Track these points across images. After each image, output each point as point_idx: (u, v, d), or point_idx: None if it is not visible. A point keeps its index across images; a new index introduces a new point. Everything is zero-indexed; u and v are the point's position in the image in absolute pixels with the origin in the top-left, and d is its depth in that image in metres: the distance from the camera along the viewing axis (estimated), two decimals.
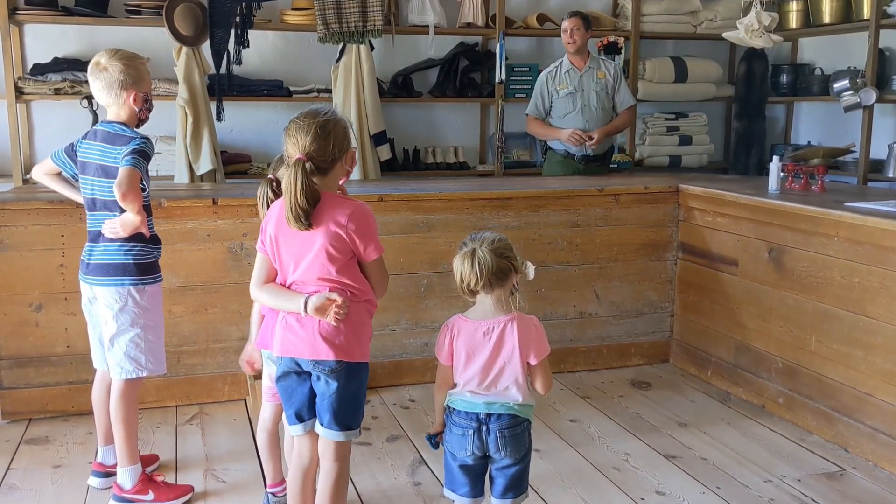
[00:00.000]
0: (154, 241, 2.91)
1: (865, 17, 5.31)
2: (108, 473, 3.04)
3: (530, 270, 2.32)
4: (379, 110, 5.30)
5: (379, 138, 5.30)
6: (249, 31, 5.08)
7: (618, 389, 4.12)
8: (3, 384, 3.63)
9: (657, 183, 4.49)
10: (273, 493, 2.88)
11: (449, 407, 2.34)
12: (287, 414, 2.46)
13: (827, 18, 5.68)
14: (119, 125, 2.82)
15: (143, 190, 2.79)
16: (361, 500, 2.99)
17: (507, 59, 5.62)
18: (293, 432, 2.47)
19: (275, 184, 2.59)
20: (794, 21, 5.93)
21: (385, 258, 4.01)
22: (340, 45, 5.23)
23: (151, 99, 2.92)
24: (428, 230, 4.03)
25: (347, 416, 2.39)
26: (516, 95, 5.72)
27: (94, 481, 3.06)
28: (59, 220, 3.55)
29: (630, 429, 3.63)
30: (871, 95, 5.15)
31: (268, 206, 2.58)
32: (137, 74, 2.82)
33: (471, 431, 2.27)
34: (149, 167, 2.87)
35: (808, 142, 6.19)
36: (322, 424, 2.40)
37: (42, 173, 3.03)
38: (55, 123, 5.16)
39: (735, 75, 6.25)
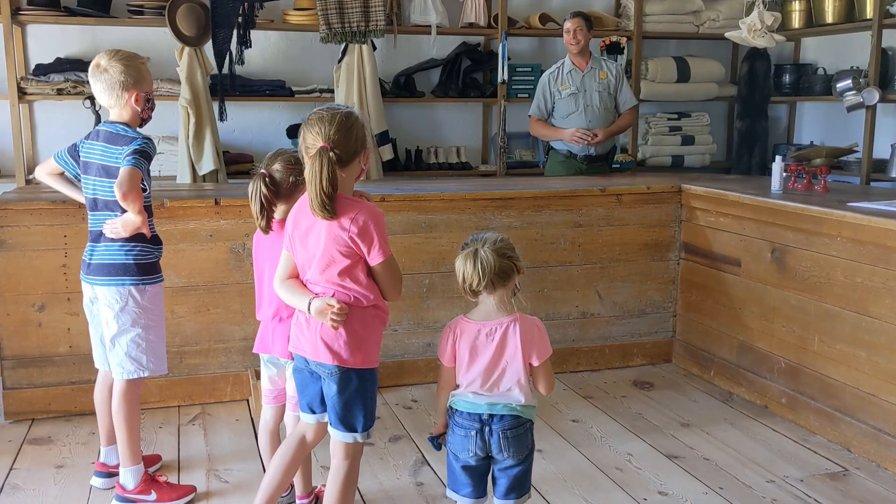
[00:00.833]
0: (155, 241, 2.91)
1: (868, 17, 5.30)
2: (110, 473, 3.04)
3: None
4: (381, 110, 5.30)
5: (381, 138, 5.31)
6: (252, 31, 5.09)
7: (620, 389, 4.12)
8: (6, 384, 3.64)
9: (659, 183, 4.49)
10: None
11: (451, 408, 2.34)
12: (300, 404, 2.51)
13: (829, 18, 5.67)
14: (121, 125, 2.83)
15: (144, 190, 2.79)
16: (364, 501, 2.99)
17: (509, 59, 5.62)
18: (304, 420, 2.51)
19: (267, 179, 2.59)
20: (796, 21, 5.93)
21: None
22: (343, 45, 5.23)
23: (154, 98, 2.92)
24: (430, 230, 4.03)
25: (350, 418, 2.39)
26: (518, 95, 5.72)
27: (96, 481, 3.07)
28: (61, 220, 3.56)
29: (632, 429, 3.62)
30: (873, 95, 5.15)
31: (261, 202, 2.59)
32: (138, 74, 2.82)
33: (473, 432, 2.27)
34: (151, 168, 2.87)
35: (811, 142, 6.18)
36: (330, 423, 2.43)
37: (45, 173, 3.04)
38: (58, 124, 5.17)
39: (737, 75, 6.24)
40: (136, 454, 2.92)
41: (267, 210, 2.60)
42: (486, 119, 5.99)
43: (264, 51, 5.45)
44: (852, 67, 5.53)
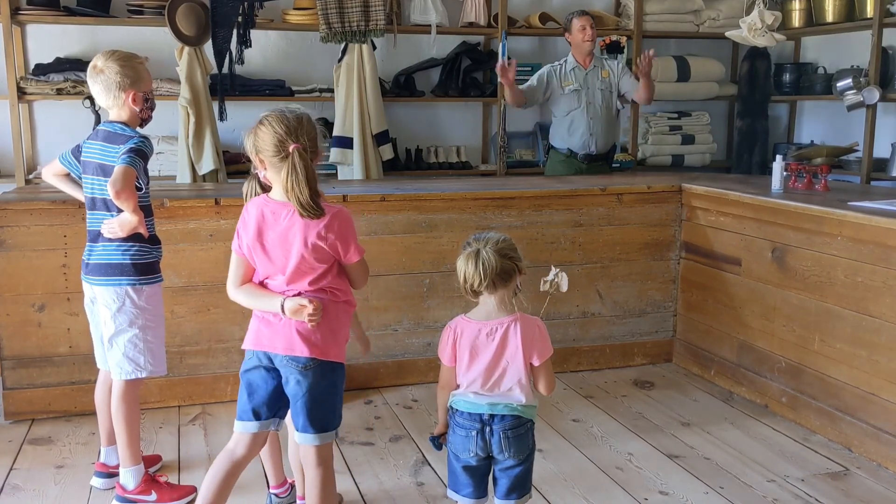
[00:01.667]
0: (153, 241, 2.91)
1: (868, 16, 5.30)
2: (111, 474, 3.04)
3: (564, 281, 2.33)
4: (381, 110, 5.30)
5: (381, 138, 5.30)
6: (251, 31, 5.09)
7: (621, 389, 4.12)
8: (6, 384, 3.64)
9: (660, 182, 4.49)
10: (276, 494, 2.88)
11: (452, 408, 2.34)
12: (243, 410, 2.42)
13: (830, 17, 5.67)
14: (119, 125, 2.83)
15: (140, 189, 2.78)
16: (364, 501, 2.99)
17: (509, 58, 5.61)
18: (244, 429, 2.41)
19: (261, 179, 2.59)
20: (796, 20, 5.92)
21: (387, 258, 4.03)
22: (342, 45, 5.23)
23: (153, 98, 2.91)
24: (430, 230, 4.03)
25: (323, 416, 2.37)
26: None
27: (96, 482, 3.06)
28: (61, 220, 3.55)
29: (633, 428, 3.62)
30: (874, 94, 5.14)
31: None
32: (135, 74, 2.81)
33: (474, 432, 2.27)
34: (151, 167, 2.88)
35: (811, 141, 6.18)
36: (297, 429, 2.39)
37: (51, 174, 3.05)
38: (57, 123, 5.16)
39: (738, 74, 6.24)
40: (136, 455, 2.91)
41: None
42: (487, 118, 5.99)
43: (264, 50, 5.44)
44: (853, 66, 5.53)
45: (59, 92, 4.94)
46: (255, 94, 5.29)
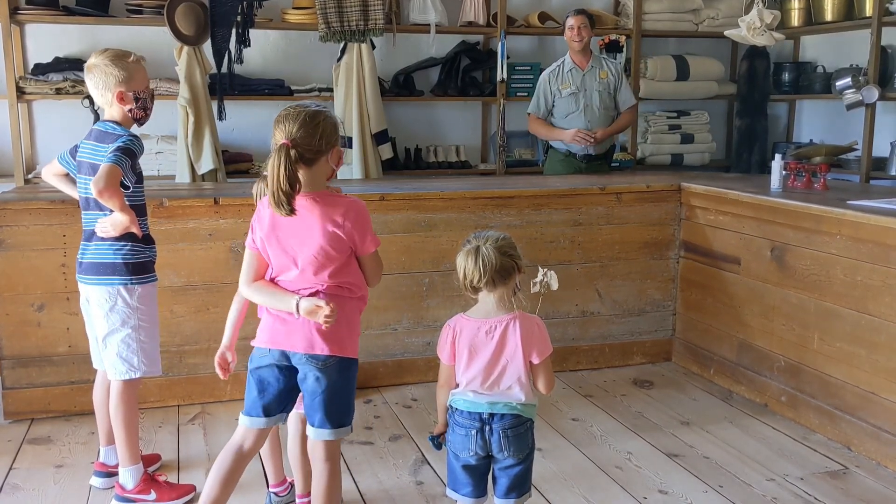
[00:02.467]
0: (147, 240, 2.90)
1: (868, 15, 5.30)
2: (110, 473, 3.04)
3: (553, 280, 2.32)
4: (380, 109, 5.30)
5: (380, 137, 5.30)
6: (251, 30, 5.09)
7: (620, 388, 4.12)
8: (5, 384, 3.64)
9: (659, 181, 4.49)
10: (275, 493, 2.88)
11: (451, 407, 2.34)
12: (252, 406, 2.41)
13: (829, 16, 5.67)
14: (111, 124, 2.82)
15: (128, 188, 2.77)
16: (364, 500, 2.99)
17: (508, 57, 5.62)
18: (252, 424, 2.41)
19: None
20: (795, 19, 5.92)
21: (387, 257, 4.02)
22: (342, 44, 5.23)
23: (147, 97, 2.86)
24: (430, 229, 4.03)
25: (340, 412, 2.39)
26: (518, 94, 5.72)
27: (96, 481, 3.06)
28: (60, 219, 3.55)
29: (632, 427, 3.62)
30: (873, 93, 5.15)
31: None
32: (124, 73, 2.78)
33: (474, 431, 2.27)
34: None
35: (811, 140, 6.18)
36: (313, 425, 2.39)
37: (50, 174, 3.05)
38: (56, 123, 5.16)
39: (737, 73, 6.24)
40: (135, 454, 2.91)
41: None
42: (486, 118, 5.98)
43: (263, 50, 5.44)
44: (852, 65, 5.53)
45: (59, 92, 4.94)
46: (255, 93, 5.28)
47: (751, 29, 5.11)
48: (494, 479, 2.35)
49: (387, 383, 4.07)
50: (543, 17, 5.73)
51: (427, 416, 3.71)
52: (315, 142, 2.27)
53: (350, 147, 5.23)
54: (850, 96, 5.24)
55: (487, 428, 2.27)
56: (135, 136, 2.80)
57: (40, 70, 5.00)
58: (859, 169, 5.36)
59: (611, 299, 4.37)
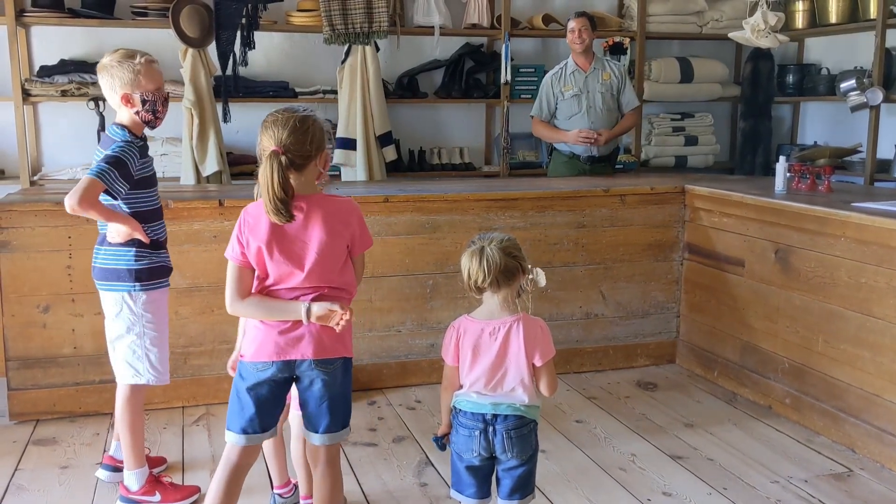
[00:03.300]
0: (155, 246, 2.85)
1: (872, 17, 5.29)
2: (116, 468, 3.05)
3: (541, 277, 2.32)
4: (384, 111, 5.31)
5: (384, 139, 5.31)
6: (255, 33, 5.10)
7: (624, 390, 4.12)
8: (10, 385, 3.65)
9: (663, 183, 4.49)
10: (279, 495, 2.89)
11: (455, 408, 2.34)
12: (249, 424, 2.33)
13: (833, 18, 5.66)
14: (116, 127, 2.80)
15: (115, 197, 2.70)
16: (368, 501, 2.99)
17: (512, 59, 5.62)
18: (252, 441, 2.34)
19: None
20: (800, 21, 5.92)
21: (391, 259, 4.04)
22: (346, 47, 5.24)
23: (156, 99, 2.79)
24: (433, 231, 4.04)
25: (345, 413, 2.39)
26: (522, 96, 5.72)
27: (102, 474, 3.08)
28: (66, 221, 3.56)
29: (636, 429, 3.62)
30: (877, 95, 5.14)
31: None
32: (130, 75, 2.74)
33: (477, 432, 2.27)
34: (153, 169, 2.85)
35: (815, 142, 6.17)
36: (317, 431, 2.36)
37: None
38: (62, 125, 5.18)
39: (741, 75, 6.24)
40: (140, 457, 2.92)
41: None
42: (490, 120, 5.99)
43: (268, 52, 5.45)
44: (856, 67, 5.53)
45: (64, 94, 4.95)
46: (259, 95, 5.30)
47: (755, 31, 5.11)
48: (498, 480, 2.36)
49: (391, 385, 4.07)
50: (547, 19, 5.73)
51: (431, 418, 3.71)
52: (305, 147, 2.26)
53: (354, 149, 5.24)
54: (855, 98, 5.24)
55: (491, 429, 2.27)
56: (129, 142, 2.75)
57: (46, 72, 5.02)
58: (863, 171, 5.35)
59: (614, 301, 4.36)
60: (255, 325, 2.35)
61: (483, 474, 2.34)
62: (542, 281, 2.32)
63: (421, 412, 3.80)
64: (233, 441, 2.36)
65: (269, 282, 2.32)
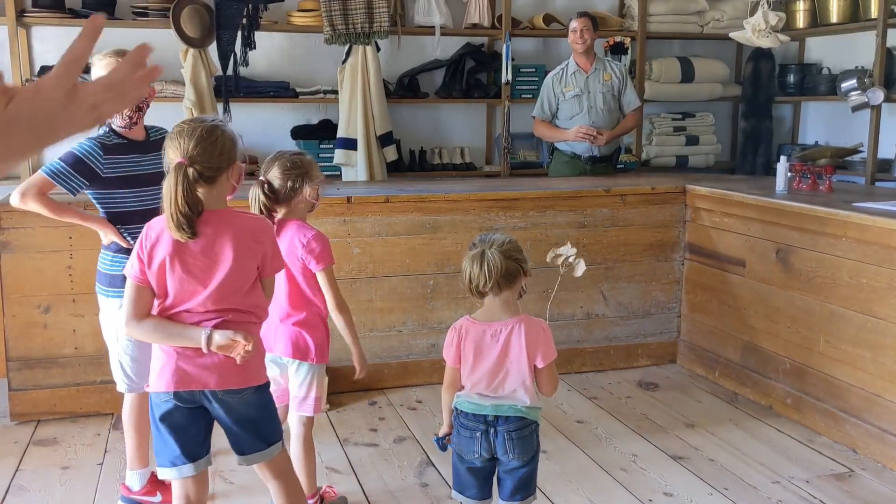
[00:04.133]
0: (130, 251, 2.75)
1: (873, 17, 5.29)
2: (133, 501, 2.94)
3: (580, 268, 2.31)
4: (385, 111, 5.30)
5: (385, 139, 5.31)
6: (256, 33, 5.09)
7: (625, 390, 4.12)
8: (11, 385, 3.65)
9: (664, 183, 4.48)
10: None
11: (456, 409, 2.34)
12: (174, 457, 2.19)
13: (834, 18, 5.66)
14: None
15: (75, 192, 2.66)
16: (369, 502, 2.99)
17: (513, 59, 5.62)
18: (183, 473, 2.20)
19: (265, 185, 2.60)
20: (801, 21, 5.91)
21: (391, 259, 4.03)
22: (347, 47, 5.24)
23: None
24: (434, 231, 4.03)
25: (269, 431, 2.28)
26: (522, 96, 5.72)
27: None
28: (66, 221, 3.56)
29: (637, 430, 3.62)
30: (878, 95, 5.13)
31: (261, 209, 2.59)
32: (94, 76, 2.66)
33: (479, 434, 2.27)
34: (145, 170, 2.74)
35: (816, 141, 6.17)
36: (243, 453, 2.26)
37: None
38: None
39: (742, 75, 6.23)
40: (144, 458, 2.92)
41: (267, 216, 2.61)
42: (490, 120, 5.99)
43: (268, 52, 5.45)
44: (857, 67, 5.52)
45: None
46: (260, 95, 5.29)
47: (756, 31, 5.10)
48: (499, 481, 2.36)
49: (391, 385, 4.07)
50: (548, 18, 5.73)
51: (432, 418, 3.71)
52: (214, 158, 2.13)
53: (354, 149, 5.24)
54: (856, 98, 5.23)
55: (492, 430, 2.27)
56: (95, 139, 2.69)
57: (46, 72, 5.01)
58: (864, 171, 5.34)
59: (615, 301, 4.36)
60: (155, 352, 2.21)
61: (484, 475, 2.34)
62: (580, 272, 2.31)
63: (422, 412, 3.80)
64: (166, 476, 2.24)
65: (168, 302, 2.16)
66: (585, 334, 4.34)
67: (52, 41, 5.13)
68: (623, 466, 3.26)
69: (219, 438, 2.30)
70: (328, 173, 5.27)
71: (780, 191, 3.95)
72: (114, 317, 2.78)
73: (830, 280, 3.48)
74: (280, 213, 2.67)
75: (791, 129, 6.49)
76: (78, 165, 2.66)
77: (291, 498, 2.38)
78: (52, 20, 4.94)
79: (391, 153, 5.36)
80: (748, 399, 3.97)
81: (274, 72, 5.47)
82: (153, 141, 2.84)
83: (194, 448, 2.22)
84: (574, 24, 4.87)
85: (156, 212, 2.64)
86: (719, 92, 6.14)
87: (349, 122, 5.23)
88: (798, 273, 3.65)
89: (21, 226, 3.54)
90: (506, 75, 5.59)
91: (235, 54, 5.06)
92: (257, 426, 2.25)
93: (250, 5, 5.01)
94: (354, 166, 5.24)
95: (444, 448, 2.40)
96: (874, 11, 5.27)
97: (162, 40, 5.06)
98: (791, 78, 6.13)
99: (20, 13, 4.83)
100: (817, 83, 5.96)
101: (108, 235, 2.75)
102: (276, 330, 2.68)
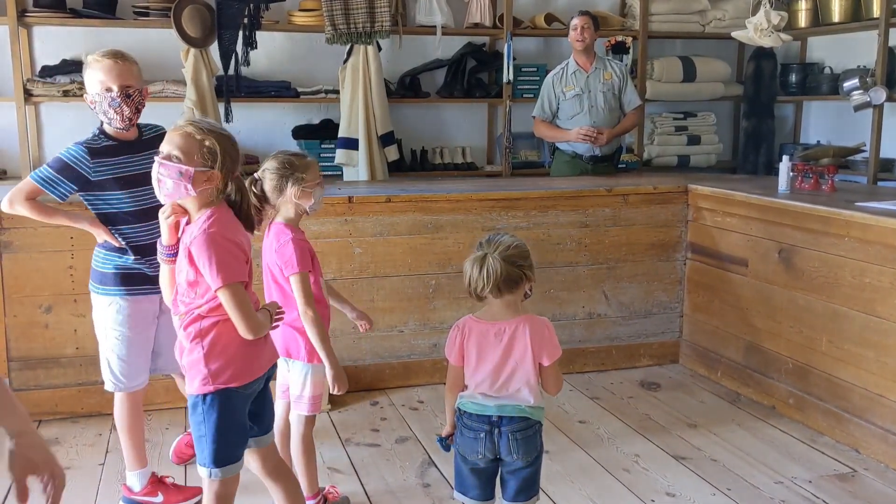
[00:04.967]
0: (132, 251, 2.76)
1: (875, 16, 5.28)
2: (133, 501, 2.95)
3: None
4: (387, 111, 5.30)
5: (387, 139, 5.30)
6: (257, 33, 5.09)
7: (627, 390, 4.11)
8: (13, 385, 3.64)
9: (666, 183, 4.48)
10: None
11: (460, 410, 2.33)
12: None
13: (836, 17, 5.65)
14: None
15: (64, 197, 2.68)
16: (371, 502, 2.99)
17: (514, 59, 5.61)
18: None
19: (256, 184, 2.61)
20: (803, 20, 5.90)
21: (393, 259, 4.04)
22: (348, 46, 5.23)
23: (105, 100, 2.66)
24: (436, 231, 4.03)
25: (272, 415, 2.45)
26: (524, 96, 5.71)
27: None
28: None
29: (639, 430, 3.61)
30: (880, 94, 5.12)
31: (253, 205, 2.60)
32: (87, 77, 2.69)
33: (482, 434, 2.26)
34: (135, 171, 2.73)
35: (818, 141, 6.16)
36: (256, 435, 2.41)
37: None
38: (64, 125, 5.17)
39: (744, 74, 6.22)
40: (142, 458, 2.92)
41: (255, 214, 2.52)
42: (492, 119, 5.98)
43: (270, 52, 5.44)
44: (859, 66, 5.51)
45: (66, 94, 4.95)
46: (261, 95, 5.29)
47: (758, 30, 5.10)
48: (502, 481, 2.35)
49: (393, 385, 4.07)
50: (550, 18, 5.72)
51: (434, 419, 3.71)
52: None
53: (356, 149, 5.24)
54: (858, 97, 5.22)
55: (496, 431, 2.26)
56: (81, 143, 2.69)
57: (48, 72, 5.02)
58: (867, 170, 5.34)
59: (617, 301, 4.36)
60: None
61: (487, 476, 2.33)
62: None
63: (424, 412, 3.80)
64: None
65: None
66: (587, 334, 4.33)
67: (53, 41, 5.13)
68: (625, 466, 3.25)
69: None
70: (329, 173, 5.27)
71: (782, 190, 3.95)
72: (104, 315, 2.80)
73: (833, 280, 3.47)
74: (270, 213, 2.65)
75: (793, 129, 6.48)
76: (65, 171, 2.67)
77: (289, 483, 2.43)
78: (54, 20, 4.94)
79: (392, 153, 5.36)
80: (750, 399, 3.96)
81: (275, 71, 5.46)
82: (146, 139, 2.81)
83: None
84: (575, 22, 4.87)
85: (154, 211, 2.50)
86: (721, 91, 6.13)
87: (350, 122, 5.23)
88: (800, 273, 3.65)
89: (22, 226, 3.54)
90: (507, 75, 5.58)
91: (237, 54, 5.06)
92: (271, 409, 2.37)
93: (251, 5, 5.01)
94: (356, 166, 5.24)
95: (447, 448, 2.39)
96: (876, 10, 5.27)
97: (163, 40, 5.07)
98: (793, 77, 6.12)
99: (21, 13, 4.82)
100: (819, 82, 5.95)
101: (100, 235, 2.78)
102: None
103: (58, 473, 1.43)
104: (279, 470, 2.44)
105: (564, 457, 3.33)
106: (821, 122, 6.29)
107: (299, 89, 5.38)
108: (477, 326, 2.30)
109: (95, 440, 3.47)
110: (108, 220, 2.76)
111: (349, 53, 5.24)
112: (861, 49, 5.62)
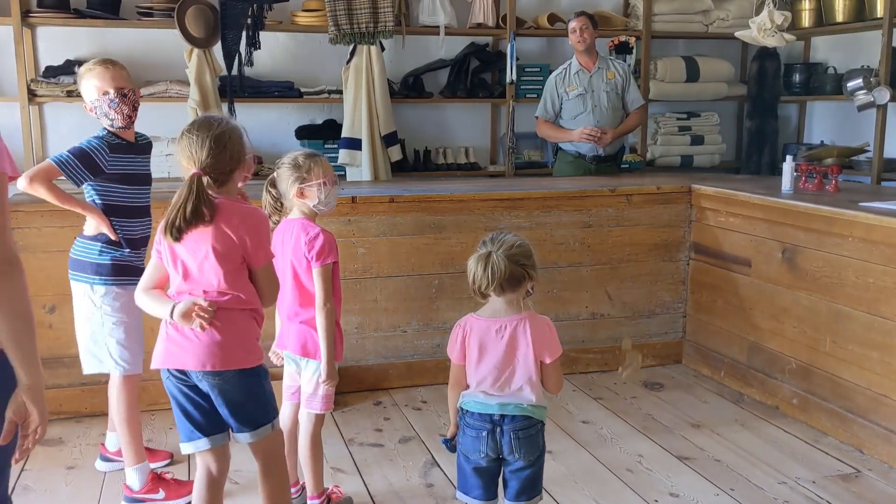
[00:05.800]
0: (127, 244, 2.93)
1: (879, 16, 5.27)
2: (107, 458, 3.20)
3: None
4: (390, 111, 5.30)
5: (390, 139, 5.30)
6: (260, 33, 5.09)
7: (630, 390, 4.11)
8: None
9: (669, 183, 4.48)
10: None
11: (462, 409, 2.33)
12: (185, 432, 2.33)
13: (840, 17, 5.64)
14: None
15: (79, 183, 2.82)
16: (374, 502, 2.99)
17: (517, 59, 5.61)
18: (199, 447, 2.33)
19: (271, 183, 2.70)
20: (806, 20, 5.89)
21: (396, 259, 4.03)
22: (351, 46, 5.23)
23: (104, 102, 2.86)
24: (439, 231, 4.03)
25: (256, 413, 2.33)
26: (527, 96, 5.71)
27: (100, 465, 3.21)
28: (71, 221, 3.53)
29: (643, 430, 3.61)
30: (884, 94, 5.12)
31: (269, 206, 2.70)
32: (83, 87, 2.89)
33: (484, 433, 2.26)
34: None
35: (822, 141, 6.15)
36: (234, 431, 2.35)
37: None
38: (67, 125, 5.18)
39: (747, 74, 6.21)
40: (139, 452, 2.93)
41: (272, 212, 2.72)
42: (495, 119, 5.98)
43: (273, 52, 5.45)
44: (863, 66, 5.50)
45: (69, 94, 4.95)
46: (265, 95, 5.29)
47: (761, 30, 5.10)
48: (505, 481, 2.35)
49: (396, 385, 4.07)
50: (553, 18, 5.72)
51: (437, 419, 3.71)
52: (225, 163, 2.26)
53: (359, 149, 5.24)
54: (862, 97, 5.21)
55: (498, 430, 2.26)
56: (100, 137, 2.86)
57: (51, 72, 5.03)
58: (871, 170, 5.32)
59: (621, 301, 4.35)
60: (160, 331, 2.34)
61: (490, 475, 2.33)
62: (627, 373, 2.44)
63: (427, 413, 3.80)
64: (186, 451, 2.37)
65: (171, 285, 2.34)
66: (590, 334, 4.33)
67: (56, 41, 5.14)
68: (629, 467, 3.25)
69: None
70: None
71: (785, 190, 3.94)
72: (98, 303, 2.91)
73: (837, 280, 3.47)
74: (286, 211, 2.73)
75: (796, 129, 6.47)
76: (85, 159, 2.81)
77: (271, 480, 2.41)
78: (57, 20, 4.95)
79: (396, 153, 5.36)
80: (754, 399, 3.96)
81: (278, 72, 5.47)
82: (142, 144, 3.04)
83: (205, 423, 2.31)
84: (573, 24, 4.87)
85: (146, 209, 3.00)
86: (724, 91, 6.13)
87: (354, 122, 5.23)
88: (804, 273, 3.64)
89: (26, 226, 3.54)
90: (510, 75, 5.58)
91: (240, 54, 5.06)
92: (243, 409, 2.30)
93: (255, 5, 5.01)
94: (359, 166, 5.24)
95: (452, 449, 2.39)
96: (880, 10, 5.26)
97: (166, 40, 5.07)
98: (796, 77, 6.11)
99: (25, 13, 4.83)
100: (823, 82, 5.94)
101: (100, 227, 2.88)
102: (288, 328, 2.73)
103: (42, 431, 1.69)
104: (266, 452, 2.41)
105: (567, 457, 3.33)
106: (824, 122, 6.28)
107: (302, 89, 5.38)
108: (478, 323, 2.30)
109: (99, 440, 3.47)
110: (111, 212, 2.91)
111: (352, 53, 5.24)
112: (865, 49, 5.61)
